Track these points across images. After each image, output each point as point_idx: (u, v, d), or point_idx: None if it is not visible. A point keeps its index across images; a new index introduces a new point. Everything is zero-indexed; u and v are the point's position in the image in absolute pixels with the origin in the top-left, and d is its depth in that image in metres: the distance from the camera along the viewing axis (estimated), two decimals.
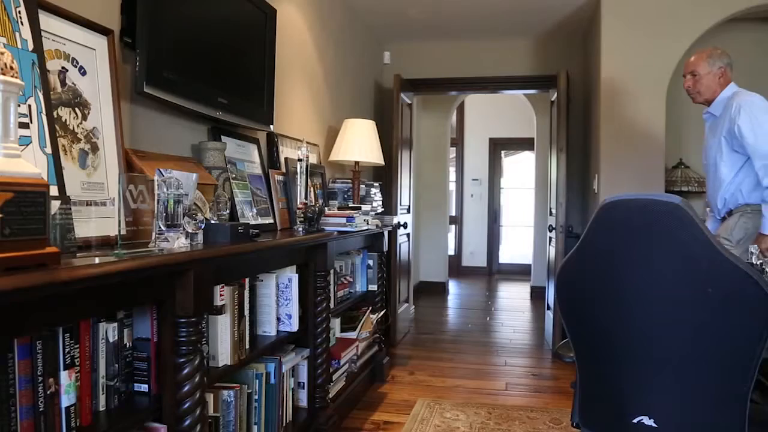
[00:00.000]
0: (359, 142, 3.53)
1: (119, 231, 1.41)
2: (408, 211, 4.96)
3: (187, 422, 1.44)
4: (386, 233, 3.62)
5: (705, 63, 2.57)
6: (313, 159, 3.38)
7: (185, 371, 1.44)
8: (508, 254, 8.80)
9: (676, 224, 1.18)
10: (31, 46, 1.39)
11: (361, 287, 3.41)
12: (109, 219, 1.59)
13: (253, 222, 2.41)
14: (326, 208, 2.80)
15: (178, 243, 1.49)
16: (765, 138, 2.41)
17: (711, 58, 2.57)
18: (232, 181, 2.34)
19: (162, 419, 1.44)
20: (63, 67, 1.56)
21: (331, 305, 2.64)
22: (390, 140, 4.48)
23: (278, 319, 2.23)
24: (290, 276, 2.26)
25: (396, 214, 4.40)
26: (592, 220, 1.35)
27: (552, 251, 4.49)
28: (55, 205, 1.18)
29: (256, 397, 2.03)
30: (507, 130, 8.37)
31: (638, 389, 1.30)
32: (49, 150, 1.38)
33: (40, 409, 1.14)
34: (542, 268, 6.02)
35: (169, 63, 1.93)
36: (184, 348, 1.44)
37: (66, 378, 1.20)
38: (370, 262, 3.46)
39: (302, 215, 2.37)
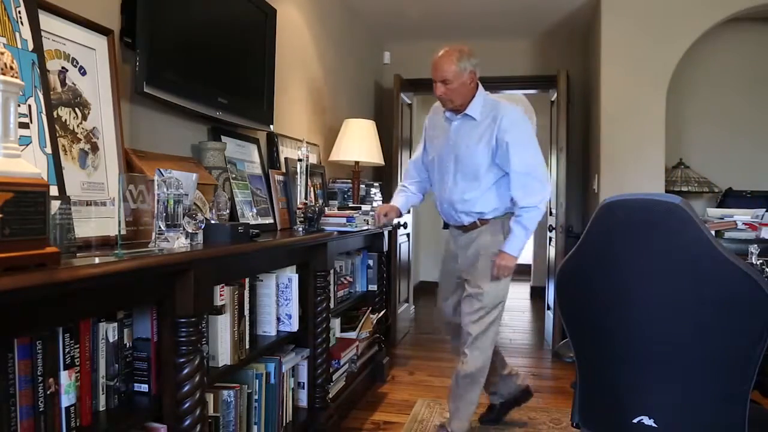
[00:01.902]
0: (359, 142, 3.53)
1: (119, 231, 1.41)
2: (408, 211, 4.95)
3: (187, 422, 1.44)
4: (386, 233, 3.62)
5: (455, 69, 2.31)
6: (313, 159, 3.38)
7: (185, 371, 1.44)
8: None
9: (676, 224, 1.18)
10: (31, 46, 1.39)
11: (361, 287, 3.41)
12: (109, 219, 1.59)
13: (253, 222, 2.41)
14: (326, 208, 2.80)
15: (178, 243, 1.48)
16: (537, 159, 2.34)
17: (461, 62, 2.32)
18: (232, 181, 2.34)
19: (162, 419, 1.44)
20: (63, 67, 1.56)
21: (331, 305, 2.64)
22: (390, 140, 4.48)
23: (278, 319, 2.23)
24: (290, 276, 2.26)
25: None
26: (592, 220, 1.35)
27: (552, 251, 4.48)
28: (55, 205, 1.18)
29: (256, 397, 2.03)
30: None
31: (638, 389, 1.30)
32: (49, 150, 1.38)
33: (40, 409, 1.14)
34: (542, 268, 6.01)
35: (169, 63, 1.93)
36: (184, 348, 1.44)
37: (66, 378, 1.20)
38: (370, 262, 3.46)
39: (302, 215, 2.37)
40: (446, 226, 2.81)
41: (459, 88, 2.34)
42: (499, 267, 2.38)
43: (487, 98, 2.43)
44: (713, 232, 1.77)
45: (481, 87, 2.44)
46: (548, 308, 4.53)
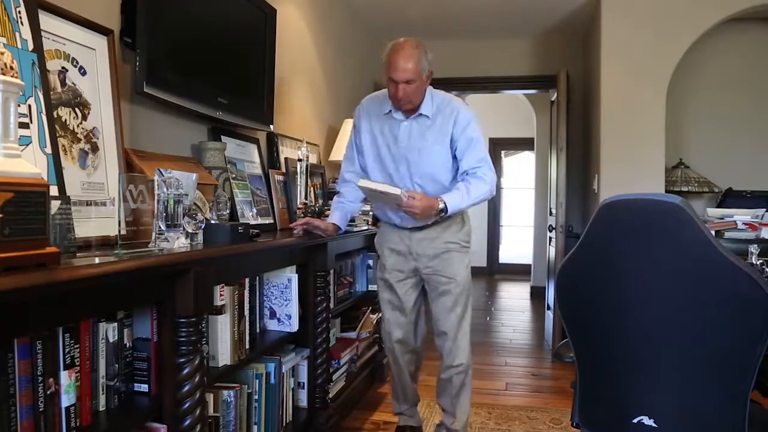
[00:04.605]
0: None
1: (119, 231, 1.41)
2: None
3: (187, 422, 1.44)
4: None
5: (420, 68, 2.04)
6: (313, 159, 3.38)
7: (185, 371, 1.43)
8: (508, 254, 8.80)
9: (676, 224, 1.18)
10: (31, 46, 1.39)
11: (361, 287, 3.41)
12: (109, 219, 1.59)
13: (253, 222, 2.41)
14: (326, 208, 2.79)
15: (178, 243, 1.49)
16: (486, 154, 2.25)
17: (423, 60, 2.06)
18: (232, 181, 2.34)
19: (162, 419, 1.44)
20: (63, 67, 1.56)
21: (331, 305, 2.64)
22: None
23: (278, 319, 2.23)
24: (290, 276, 2.26)
25: None
26: (592, 220, 1.35)
27: (552, 251, 4.49)
28: (55, 205, 1.18)
29: (256, 397, 2.03)
30: (507, 130, 8.36)
31: (638, 389, 1.30)
32: (49, 150, 1.38)
33: (40, 409, 1.14)
34: (542, 268, 6.01)
35: (169, 63, 1.93)
36: (184, 348, 1.44)
37: (66, 378, 1.20)
38: (370, 262, 3.46)
39: (302, 215, 2.36)
40: (375, 221, 2.59)
41: (420, 86, 2.10)
42: (420, 204, 2.08)
43: (433, 92, 2.22)
44: (713, 232, 1.77)
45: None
46: (548, 308, 4.53)
